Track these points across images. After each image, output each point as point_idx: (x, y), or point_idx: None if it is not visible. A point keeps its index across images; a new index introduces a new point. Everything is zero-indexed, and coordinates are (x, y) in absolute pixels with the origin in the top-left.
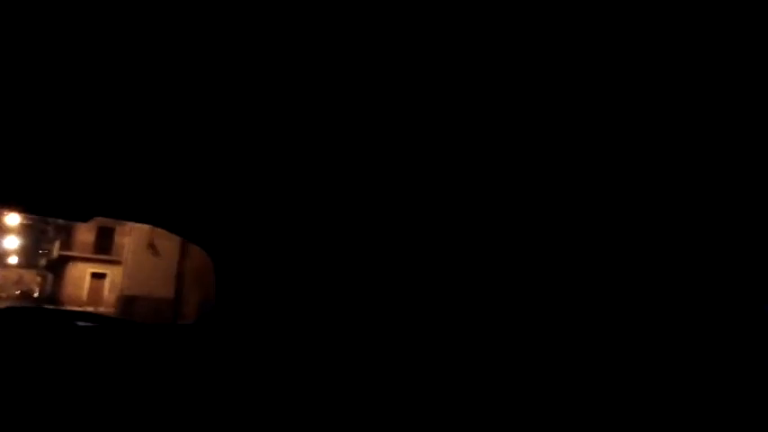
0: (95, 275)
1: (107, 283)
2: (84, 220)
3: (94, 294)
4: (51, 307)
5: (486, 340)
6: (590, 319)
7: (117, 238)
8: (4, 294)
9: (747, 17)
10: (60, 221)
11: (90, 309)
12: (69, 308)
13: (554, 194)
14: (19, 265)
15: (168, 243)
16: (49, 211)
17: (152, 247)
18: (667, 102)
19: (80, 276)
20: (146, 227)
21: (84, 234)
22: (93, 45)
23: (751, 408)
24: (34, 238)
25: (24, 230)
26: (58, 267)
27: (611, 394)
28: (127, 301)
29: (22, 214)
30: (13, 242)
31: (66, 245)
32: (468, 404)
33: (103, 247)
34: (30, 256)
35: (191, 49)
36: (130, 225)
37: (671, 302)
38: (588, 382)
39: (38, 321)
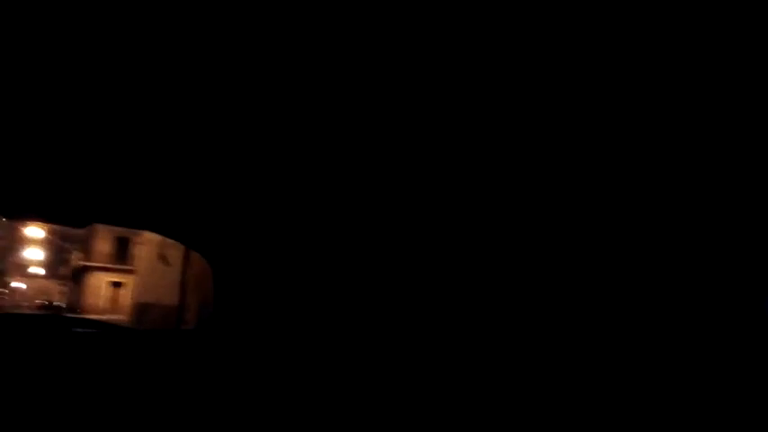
0: (113, 284)
1: (124, 291)
2: (81, 226)
3: (112, 302)
4: (72, 315)
5: (484, 340)
6: (590, 319)
7: (133, 248)
8: (27, 304)
9: (747, 17)
10: (79, 232)
11: (108, 316)
12: (89, 316)
13: (554, 194)
14: (41, 276)
15: (175, 252)
16: (46, 217)
17: (162, 256)
18: (667, 102)
19: (99, 285)
20: (157, 237)
21: (103, 244)
22: (90, 47)
23: (751, 407)
24: (55, 249)
25: (46, 242)
26: (78, 277)
27: (611, 394)
28: (140, 309)
29: (23, 220)
30: (35, 253)
31: (86, 255)
32: (467, 404)
33: (121, 256)
34: (51, 266)
35: (191, 55)
36: (144, 235)
37: (671, 301)
38: (588, 382)
39: (35, 328)
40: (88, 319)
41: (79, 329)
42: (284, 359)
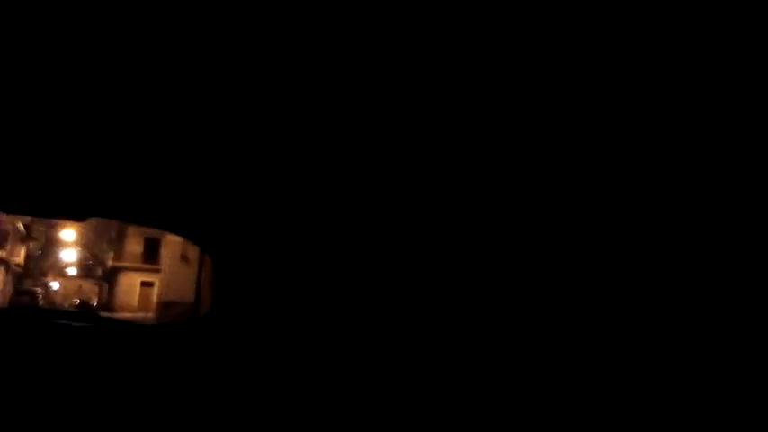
0: (144, 284)
1: (155, 290)
2: (81, 219)
3: (144, 301)
4: (106, 314)
5: (482, 340)
6: (590, 319)
7: (162, 249)
8: (66, 304)
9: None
10: (112, 235)
11: (140, 314)
12: (122, 315)
13: (554, 194)
14: (77, 276)
15: (194, 252)
16: (44, 212)
17: (184, 257)
18: (667, 102)
19: (131, 285)
20: (180, 239)
21: (134, 246)
22: (91, 43)
23: (751, 408)
24: (90, 251)
25: (81, 243)
26: (111, 277)
27: (611, 394)
28: (165, 306)
29: (22, 215)
30: (71, 255)
31: (119, 256)
32: (466, 404)
33: (151, 257)
34: (86, 267)
35: (193, 52)
36: (169, 237)
37: (671, 302)
38: (588, 382)
39: (34, 322)
40: (86, 313)
41: (77, 324)
42: (280, 353)
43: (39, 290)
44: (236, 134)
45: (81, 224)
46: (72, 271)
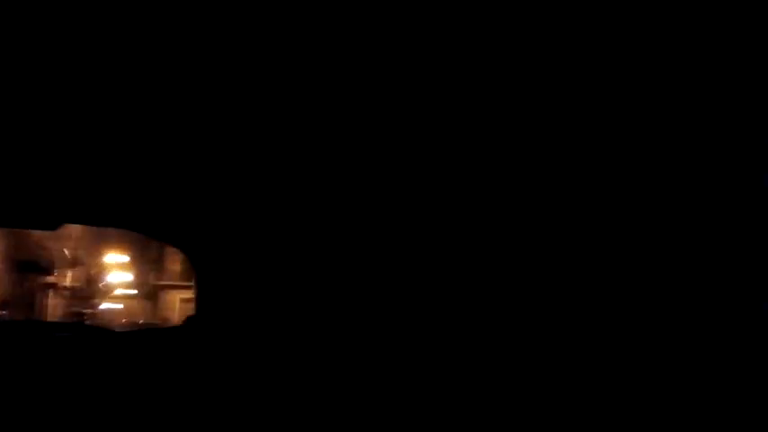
0: (184, 300)
1: (194, 306)
2: (53, 228)
3: (184, 317)
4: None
5: (480, 341)
6: (590, 320)
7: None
8: (114, 323)
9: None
10: (153, 255)
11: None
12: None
13: (554, 194)
14: (124, 296)
15: None
16: (12, 221)
17: None
18: (667, 102)
19: (172, 302)
20: None
21: (174, 264)
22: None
23: (751, 408)
24: (134, 271)
25: (127, 265)
26: (153, 295)
27: (611, 394)
28: None
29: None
30: (117, 277)
31: (159, 275)
32: (465, 405)
33: (190, 274)
34: (132, 287)
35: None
36: None
37: (671, 302)
38: (588, 383)
39: (16, 334)
40: (69, 324)
41: (61, 334)
42: (267, 358)
43: (87, 311)
44: (215, 139)
45: (125, 247)
46: (118, 292)
